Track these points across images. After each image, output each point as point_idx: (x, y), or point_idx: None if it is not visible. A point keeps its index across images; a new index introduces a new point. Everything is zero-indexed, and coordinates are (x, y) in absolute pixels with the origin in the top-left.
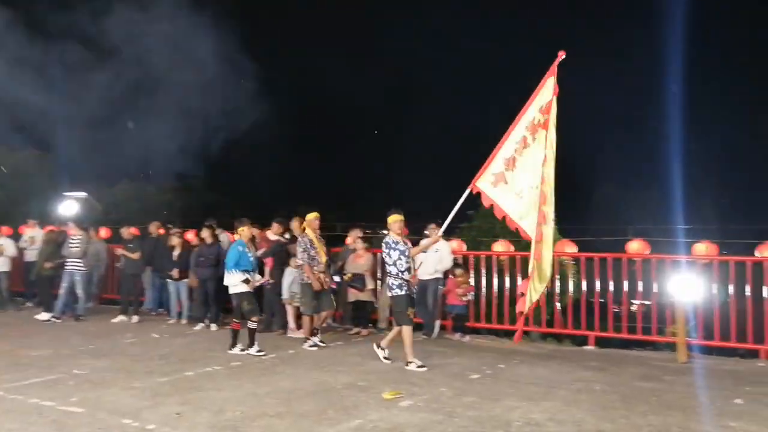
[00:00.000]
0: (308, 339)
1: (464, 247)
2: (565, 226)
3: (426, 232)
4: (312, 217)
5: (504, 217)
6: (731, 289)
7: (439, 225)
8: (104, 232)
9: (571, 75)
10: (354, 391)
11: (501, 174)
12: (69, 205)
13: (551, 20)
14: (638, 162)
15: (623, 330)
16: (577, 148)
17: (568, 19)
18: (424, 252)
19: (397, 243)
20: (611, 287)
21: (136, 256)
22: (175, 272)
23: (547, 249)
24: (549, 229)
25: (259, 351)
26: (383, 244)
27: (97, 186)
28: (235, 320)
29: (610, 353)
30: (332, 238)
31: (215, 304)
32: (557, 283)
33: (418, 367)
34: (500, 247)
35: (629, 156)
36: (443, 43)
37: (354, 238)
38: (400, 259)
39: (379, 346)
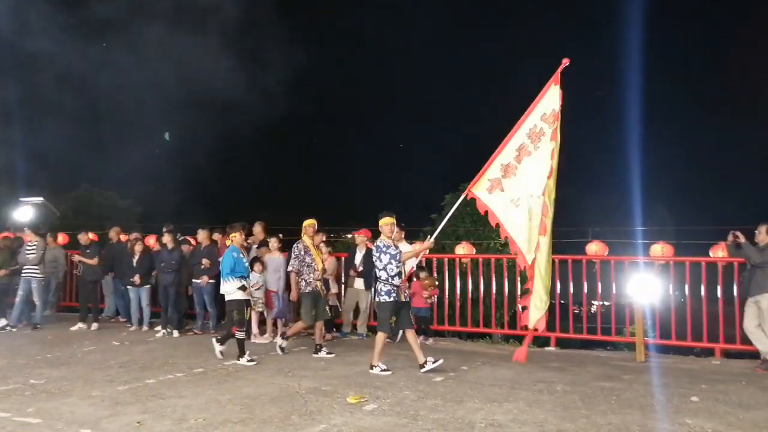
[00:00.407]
0: (320, 347)
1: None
2: None
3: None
4: (307, 223)
5: (497, 225)
6: (687, 289)
7: (403, 228)
8: (62, 238)
9: (532, 78)
10: (318, 396)
11: (497, 180)
12: (25, 211)
13: (503, 24)
14: (597, 165)
15: (583, 331)
16: None
17: (522, 21)
18: (416, 257)
19: (388, 247)
20: (571, 289)
21: (93, 261)
22: (136, 278)
23: (543, 260)
24: (547, 239)
25: (250, 360)
26: (374, 248)
27: (55, 190)
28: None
29: (570, 354)
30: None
31: (176, 310)
32: (518, 285)
33: (382, 371)
34: (462, 250)
35: (588, 159)
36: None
37: (318, 242)
38: (390, 263)
39: (372, 365)
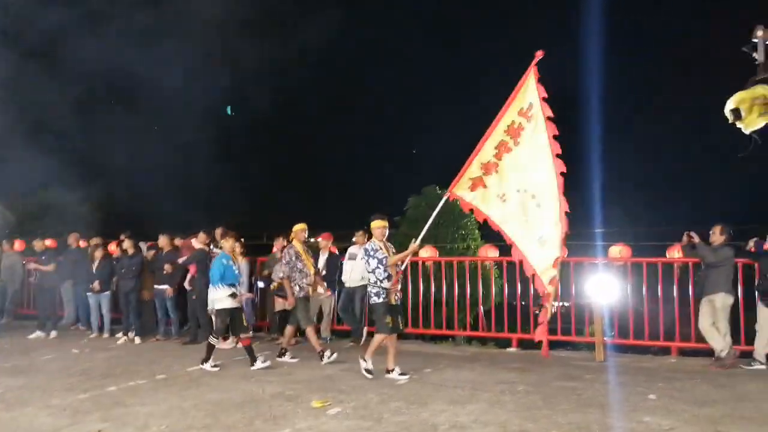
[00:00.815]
0: (322, 353)
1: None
2: (487, 231)
3: (354, 239)
4: (299, 228)
5: (485, 220)
6: (644, 289)
7: (365, 233)
8: (18, 245)
9: (490, 76)
10: (282, 401)
11: (479, 178)
12: None
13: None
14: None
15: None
16: None
17: (479, 17)
18: (401, 263)
19: (375, 251)
20: (532, 290)
21: (49, 268)
22: (95, 284)
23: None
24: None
25: (214, 366)
26: (363, 251)
27: (11, 195)
28: (242, 336)
29: (532, 354)
30: (259, 247)
31: (137, 316)
32: (480, 287)
33: (366, 370)
34: (426, 252)
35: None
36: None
37: (280, 246)
38: (378, 267)
39: (362, 357)
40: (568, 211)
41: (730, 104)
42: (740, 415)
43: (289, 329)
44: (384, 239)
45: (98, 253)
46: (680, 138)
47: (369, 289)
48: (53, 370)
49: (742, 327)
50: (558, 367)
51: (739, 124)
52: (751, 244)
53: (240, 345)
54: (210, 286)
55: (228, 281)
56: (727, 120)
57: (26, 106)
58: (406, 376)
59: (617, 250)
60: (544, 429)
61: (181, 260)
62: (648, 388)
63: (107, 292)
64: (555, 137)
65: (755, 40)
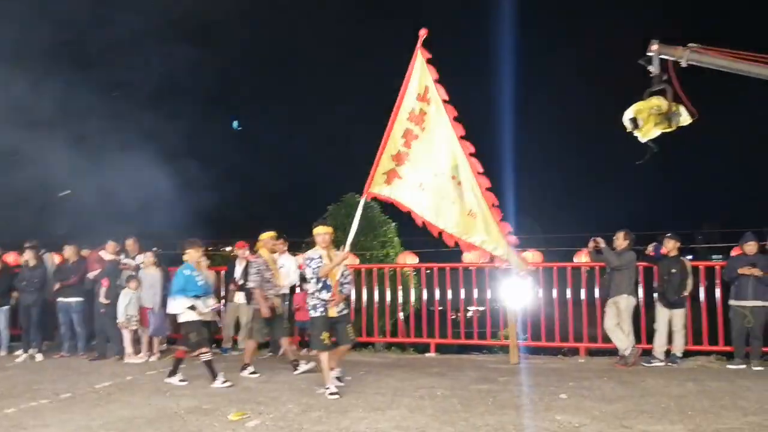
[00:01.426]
0: (247, 365)
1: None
2: (407, 238)
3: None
4: (267, 236)
5: (408, 213)
6: (554, 292)
7: (286, 240)
8: None
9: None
10: (198, 415)
11: (392, 170)
12: None
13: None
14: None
15: (461, 336)
16: None
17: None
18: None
19: (312, 259)
20: (449, 295)
21: None
22: None
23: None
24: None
25: (224, 382)
26: (305, 259)
27: None
28: (180, 348)
29: (449, 359)
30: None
31: (39, 331)
32: (400, 294)
33: (331, 394)
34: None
35: None
36: None
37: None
38: (312, 277)
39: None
40: (490, 186)
41: (628, 113)
42: (642, 410)
43: (250, 344)
44: (327, 246)
45: None
46: (586, 148)
47: (307, 300)
48: None
49: (642, 327)
50: (474, 370)
51: (636, 133)
52: (650, 249)
53: (168, 356)
54: (169, 297)
55: (190, 293)
56: (626, 129)
57: None
58: (336, 396)
59: (529, 256)
60: None
61: (92, 275)
62: (559, 388)
63: (5, 307)
64: (456, 119)
65: (650, 54)
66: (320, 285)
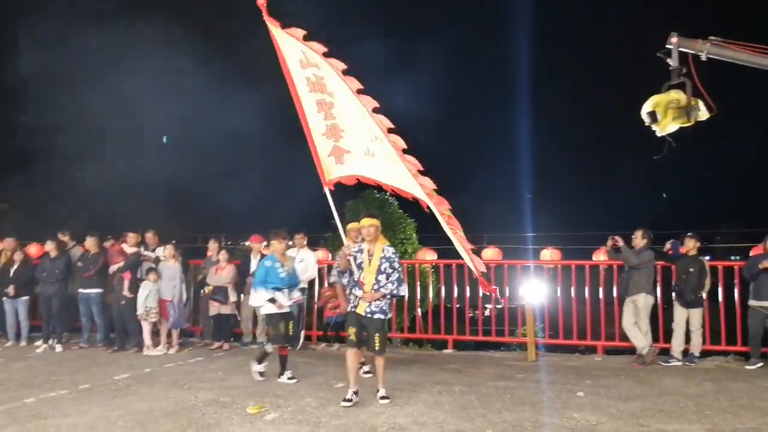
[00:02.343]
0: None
1: (330, 256)
2: (425, 234)
3: (291, 242)
4: (353, 227)
5: (378, 184)
6: (573, 291)
7: (306, 234)
8: None
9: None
10: (216, 408)
11: (336, 148)
12: None
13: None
14: (492, 172)
15: (479, 333)
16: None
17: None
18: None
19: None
20: (468, 293)
21: None
22: (10, 289)
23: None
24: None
25: (290, 378)
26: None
27: None
28: (281, 346)
29: (467, 356)
30: (193, 249)
31: (60, 322)
32: (418, 290)
33: (344, 400)
34: None
35: (484, 166)
36: None
37: (215, 250)
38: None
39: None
40: (422, 169)
41: (646, 107)
42: (659, 409)
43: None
44: (371, 240)
45: (17, 256)
46: (605, 145)
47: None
48: None
49: (660, 326)
50: (492, 367)
51: (654, 127)
52: (668, 246)
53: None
54: (252, 289)
55: (271, 285)
56: (644, 122)
57: None
58: (347, 404)
59: (548, 254)
60: (479, 428)
61: (115, 267)
62: (576, 386)
63: (24, 298)
64: (360, 91)
65: (669, 47)
66: (347, 279)
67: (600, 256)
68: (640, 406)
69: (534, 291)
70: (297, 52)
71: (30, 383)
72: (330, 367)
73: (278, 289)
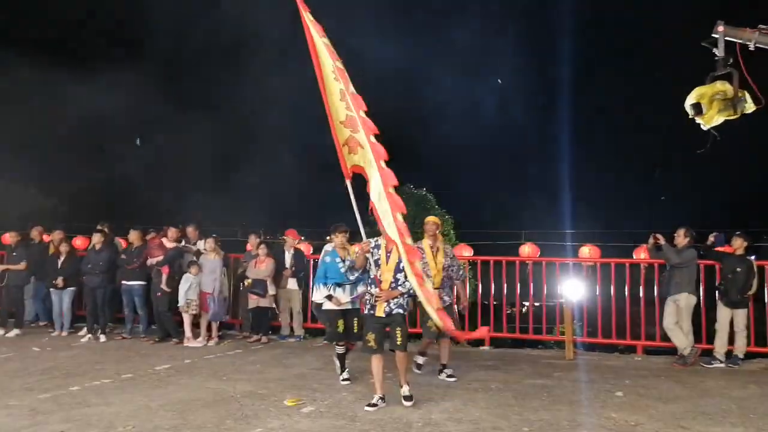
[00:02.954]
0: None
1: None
2: (462, 230)
3: (328, 237)
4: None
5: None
6: (612, 289)
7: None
8: None
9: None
10: (254, 400)
11: (352, 138)
12: None
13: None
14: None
15: (516, 330)
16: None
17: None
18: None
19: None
20: (505, 290)
21: (21, 266)
22: (59, 281)
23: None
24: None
25: (345, 380)
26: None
27: None
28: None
29: (504, 353)
30: (232, 243)
31: (104, 313)
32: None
33: (368, 405)
34: None
35: (522, 163)
36: None
37: (254, 244)
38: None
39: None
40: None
41: (690, 99)
42: (701, 411)
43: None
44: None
45: (64, 248)
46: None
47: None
48: (12, 369)
49: (703, 326)
50: (528, 365)
51: (699, 120)
52: (711, 239)
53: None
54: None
55: (331, 281)
56: (688, 115)
57: None
58: (371, 409)
59: (587, 251)
60: (515, 426)
61: (155, 260)
62: (615, 386)
63: (71, 289)
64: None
65: (716, 36)
66: (367, 278)
67: (641, 255)
68: (681, 408)
69: (572, 289)
70: (325, 40)
71: (75, 372)
72: (366, 362)
73: (339, 285)
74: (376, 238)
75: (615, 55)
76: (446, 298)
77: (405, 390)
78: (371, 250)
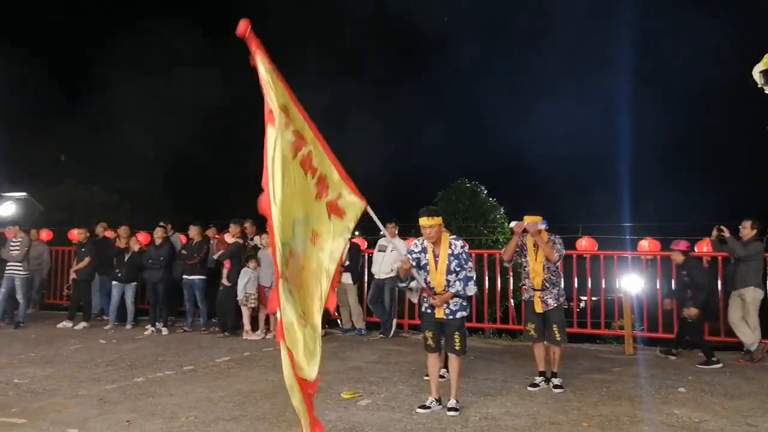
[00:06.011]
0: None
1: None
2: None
3: (382, 232)
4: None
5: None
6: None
7: (397, 223)
8: (46, 234)
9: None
10: None
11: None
12: (7, 206)
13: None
14: (587, 161)
15: (574, 325)
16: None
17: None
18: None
19: (411, 252)
20: (562, 283)
21: (84, 263)
22: (123, 275)
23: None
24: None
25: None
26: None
27: (38, 185)
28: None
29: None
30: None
31: (165, 307)
32: (510, 281)
33: (420, 407)
34: None
35: (579, 155)
36: None
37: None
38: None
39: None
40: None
41: (759, 66)
42: None
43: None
44: (435, 240)
45: (134, 244)
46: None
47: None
48: (80, 360)
49: None
50: (587, 360)
51: (767, 90)
52: None
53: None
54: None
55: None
56: (756, 84)
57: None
58: (423, 411)
59: (646, 244)
60: (574, 421)
61: (216, 255)
62: (677, 381)
63: (133, 283)
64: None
65: None
66: (404, 284)
67: (703, 248)
68: (748, 405)
69: (631, 282)
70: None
71: (139, 363)
72: (421, 356)
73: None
74: (420, 240)
75: (679, 31)
76: (551, 301)
77: (452, 402)
78: (418, 256)
